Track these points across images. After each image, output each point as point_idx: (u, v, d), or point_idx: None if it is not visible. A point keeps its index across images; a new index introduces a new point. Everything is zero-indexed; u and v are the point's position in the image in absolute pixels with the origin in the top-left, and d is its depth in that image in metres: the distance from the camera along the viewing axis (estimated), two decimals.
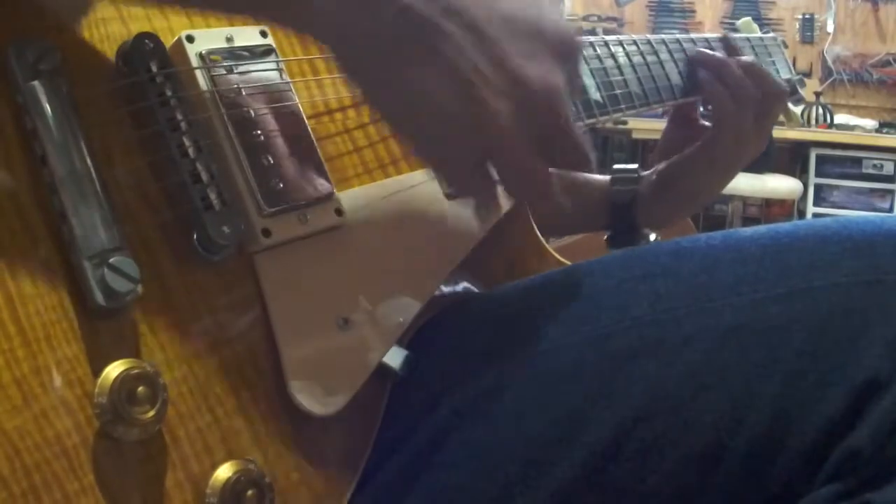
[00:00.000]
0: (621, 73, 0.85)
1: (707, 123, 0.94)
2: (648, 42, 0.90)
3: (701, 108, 0.96)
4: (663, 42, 0.92)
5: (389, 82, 0.52)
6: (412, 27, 0.51)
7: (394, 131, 0.60)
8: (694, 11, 4.82)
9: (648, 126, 4.00)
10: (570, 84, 0.56)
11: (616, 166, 0.96)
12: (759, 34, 1.07)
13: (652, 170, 0.94)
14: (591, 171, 0.62)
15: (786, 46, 1.10)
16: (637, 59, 0.87)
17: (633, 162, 1.04)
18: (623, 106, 0.84)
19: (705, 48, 0.94)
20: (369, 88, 0.54)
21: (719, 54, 0.92)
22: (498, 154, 0.54)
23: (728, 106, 0.88)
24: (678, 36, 0.94)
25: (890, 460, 0.49)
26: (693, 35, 0.95)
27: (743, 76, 0.89)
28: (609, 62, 0.84)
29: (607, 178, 0.95)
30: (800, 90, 1.08)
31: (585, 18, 4.83)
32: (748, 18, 1.11)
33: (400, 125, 0.55)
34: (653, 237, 0.94)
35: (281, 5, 0.52)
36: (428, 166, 0.62)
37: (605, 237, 0.95)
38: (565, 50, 0.56)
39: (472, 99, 0.51)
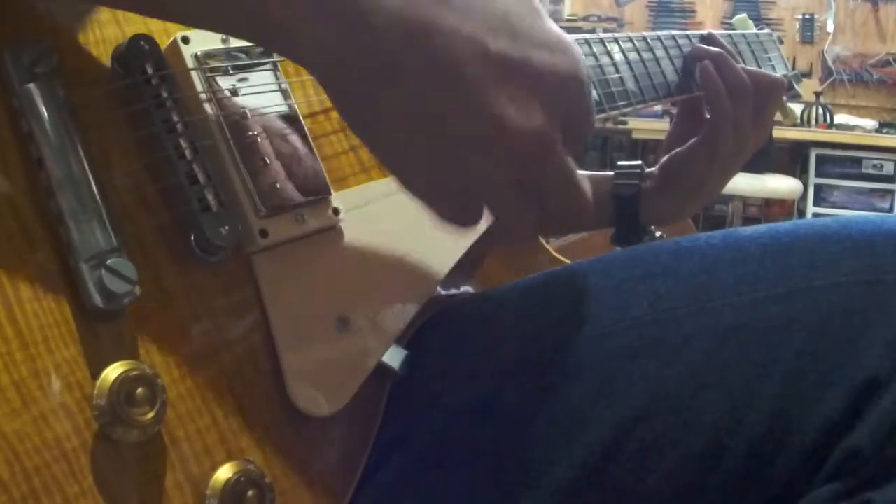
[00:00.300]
0: (617, 71, 0.85)
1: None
2: (644, 39, 0.90)
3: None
4: (658, 38, 0.92)
5: (382, 106, 0.48)
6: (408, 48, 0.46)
7: (383, 157, 0.52)
8: (694, 11, 4.83)
9: (648, 126, 4.01)
10: (569, 125, 0.50)
11: (620, 162, 0.96)
12: (754, 30, 1.07)
13: (655, 166, 0.93)
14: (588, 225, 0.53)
15: (781, 43, 1.10)
16: (633, 55, 0.87)
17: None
18: (620, 103, 0.84)
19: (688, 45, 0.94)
20: (363, 114, 0.49)
21: (714, 49, 0.92)
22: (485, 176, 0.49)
23: (724, 100, 0.88)
24: (673, 32, 0.94)
25: (890, 460, 0.49)
26: (675, 32, 0.95)
27: (738, 70, 0.88)
28: (605, 59, 0.84)
29: (610, 173, 0.95)
30: (796, 86, 1.08)
31: (585, 18, 4.83)
32: (743, 15, 1.11)
33: (392, 150, 0.51)
34: (658, 234, 0.94)
35: (272, 33, 0.48)
36: (413, 193, 0.52)
37: (611, 235, 0.95)
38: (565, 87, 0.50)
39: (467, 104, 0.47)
